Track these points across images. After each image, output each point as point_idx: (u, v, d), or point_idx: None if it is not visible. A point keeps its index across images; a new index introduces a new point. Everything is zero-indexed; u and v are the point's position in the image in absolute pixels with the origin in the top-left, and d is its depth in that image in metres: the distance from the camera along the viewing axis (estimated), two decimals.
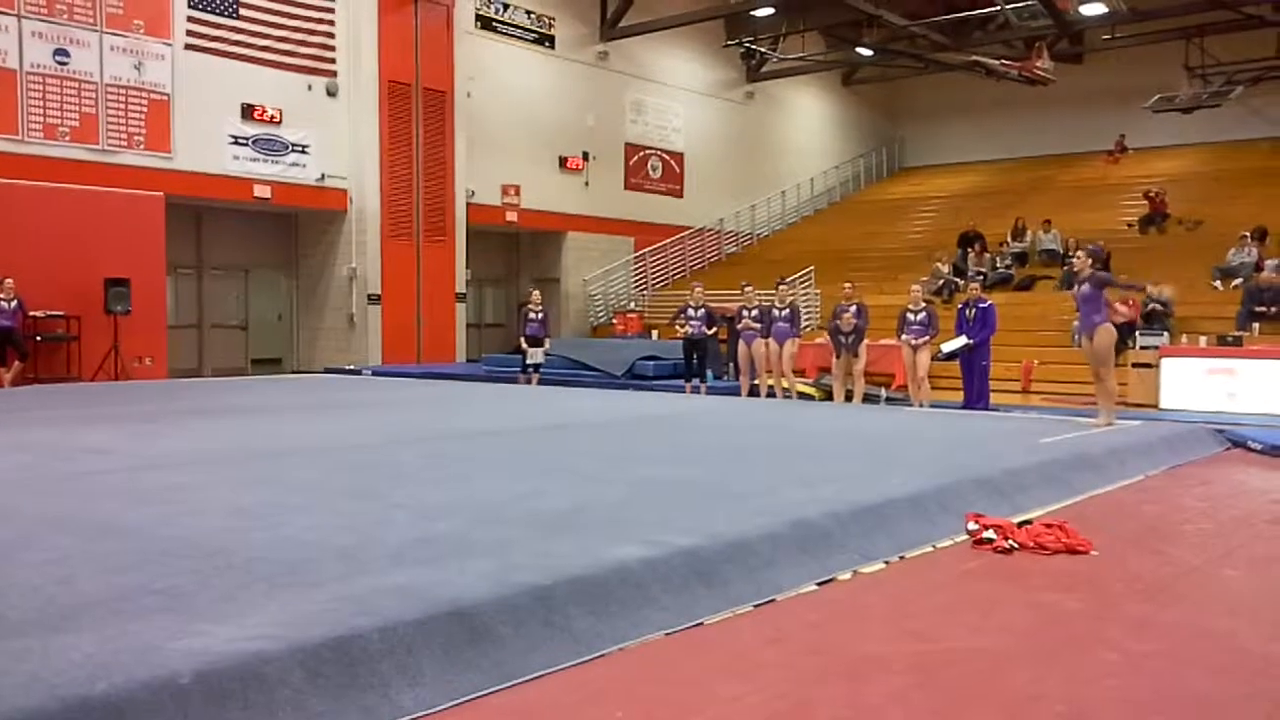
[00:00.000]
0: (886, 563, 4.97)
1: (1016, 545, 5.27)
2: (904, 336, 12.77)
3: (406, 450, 7.89)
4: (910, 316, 12.75)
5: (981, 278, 17.41)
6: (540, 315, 15.82)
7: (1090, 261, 10.29)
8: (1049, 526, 5.47)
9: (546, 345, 15.90)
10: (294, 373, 19.55)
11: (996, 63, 22.88)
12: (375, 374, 17.94)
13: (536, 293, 16.57)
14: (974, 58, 23.48)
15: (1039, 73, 22.70)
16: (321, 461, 7.24)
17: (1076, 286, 10.19)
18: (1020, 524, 5.54)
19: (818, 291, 20.29)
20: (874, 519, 5.35)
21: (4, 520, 5.02)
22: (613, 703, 3.22)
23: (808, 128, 30.82)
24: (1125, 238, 20.94)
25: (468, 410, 11.50)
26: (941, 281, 19.42)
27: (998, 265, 20.54)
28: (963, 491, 6.15)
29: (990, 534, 5.36)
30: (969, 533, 5.45)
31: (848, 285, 13.84)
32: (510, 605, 3.67)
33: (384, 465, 7.10)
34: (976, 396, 12.56)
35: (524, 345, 15.73)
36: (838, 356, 13.29)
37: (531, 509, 5.31)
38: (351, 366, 18.79)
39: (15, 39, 15.53)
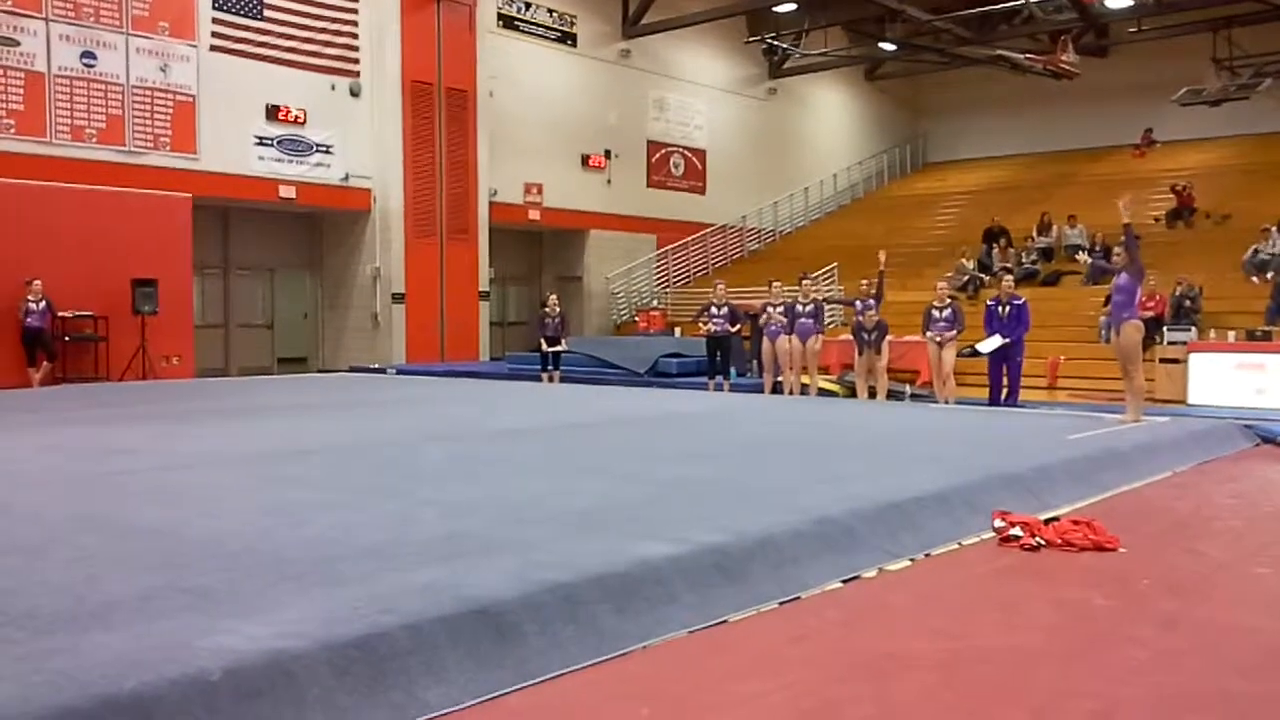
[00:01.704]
0: (912, 560, 4.95)
1: (1044, 542, 5.23)
2: (929, 333, 12.70)
3: (431, 448, 7.91)
4: (935, 313, 12.68)
5: (1009, 274, 17.28)
6: (557, 318, 15.84)
7: (1121, 257, 10.24)
8: (1076, 523, 5.42)
9: (564, 345, 15.94)
10: (319, 372, 19.66)
11: (1021, 56, 22.72)
12: (399, 373, 18.02)
13: (554, 296, 16.60)
14: (998, 52, 23.35)
15: (1064, 66, 22.51)
16: (347, 460, 7.28)
17: (1114, 277, 10.12)
18: (1047, 521, 5.50)
19: (841, 288, 20.20)
20: (899, 516, 5.33)
21: (33, 520, 5.07)
22: (638, 700, 3.22)
23: (830, 123, 30.71)
24: (1153, 232, 20.75)
25: (491, 409, 11.53)
26: (966, 277, 19.31)
27: (1023, 261, 20.41)
28: (989, 488, 6.11)
29: (1017, 531, 5.32)
30: (996, 530, 5.42)
31: (864, 282, 13.79)
32: (535, 603, 3.68)
33: (409, 463, 7.13)
34: (1009, 393, 12.47)
35: (544, 347, 15.77)
36: (860, 353, 13.25)
37: (555, 507, 5.32)
38: (376, 365, 18.88)
39: (43, 42, 15.69)
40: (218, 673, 2.90)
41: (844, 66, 29.05)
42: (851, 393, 13.74)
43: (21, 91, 15.49)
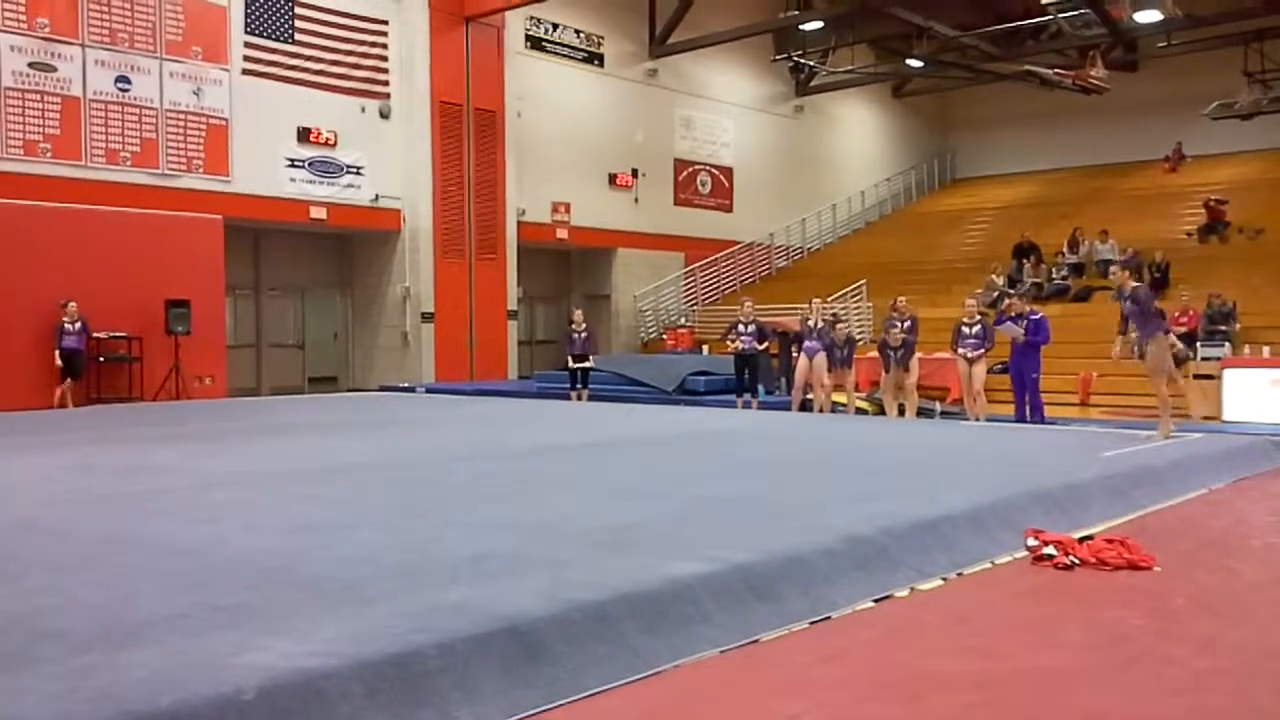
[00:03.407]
0: (944, 579, 4.91)
1: (1077, 561, 5.18)
2: (959, 350, 12.63)
3: (461, 467, 7.94)
4: (965, 329, 12.62)
5: (1038, 289, 17.19)
6: (584, 334, 15.88)
7: (1128, 274, 10.25)
8: (1110, 542, 5.37)
9: (591, 362, 15.96)
10: (349, 391, 19.78)
11: (1050, 72, 22.63)
12: (429, 391, 18.10)
13: (579, 312, 16.66)
14: (1027, 67, 23.26)
15: (1093, 81, 22.41)
16: (377, 479, 7.32)
17: (1123, 302, 10.12)
18: (1081, 539, 5.45)
19: (870, 305, 20.14)
20: (931, 535, 5.29)
21: (68, 539, 5.13)
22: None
23: (858, 140, 30.68)
24: (1185, 247, 20.57)
25: (520, 427, 11.56)
26: (996, 294, 19.18)
27: (1054, 276, 20.28)
28: (1021, 506, 6.06)
29: (1050, 550, 5.27)
30: (1029, 549, 5.37)
31: (902, 299, 13.74)
32: (565, 622, 3.68)
33: (439, 483, 7.15)
34: (1030, 410, 12.39)
35: (570, 364, 15.81)
36: (886, 371, 13.19)
37: (585, 526, 5.32)
38: (406, 384, 18.98)
39: (79, 67, 15.95)
40: (252, 691, 2.92)
41: (871, 83, 29.05)
42: (881, 410, 13.67)
43: (58, 116, 15.74)
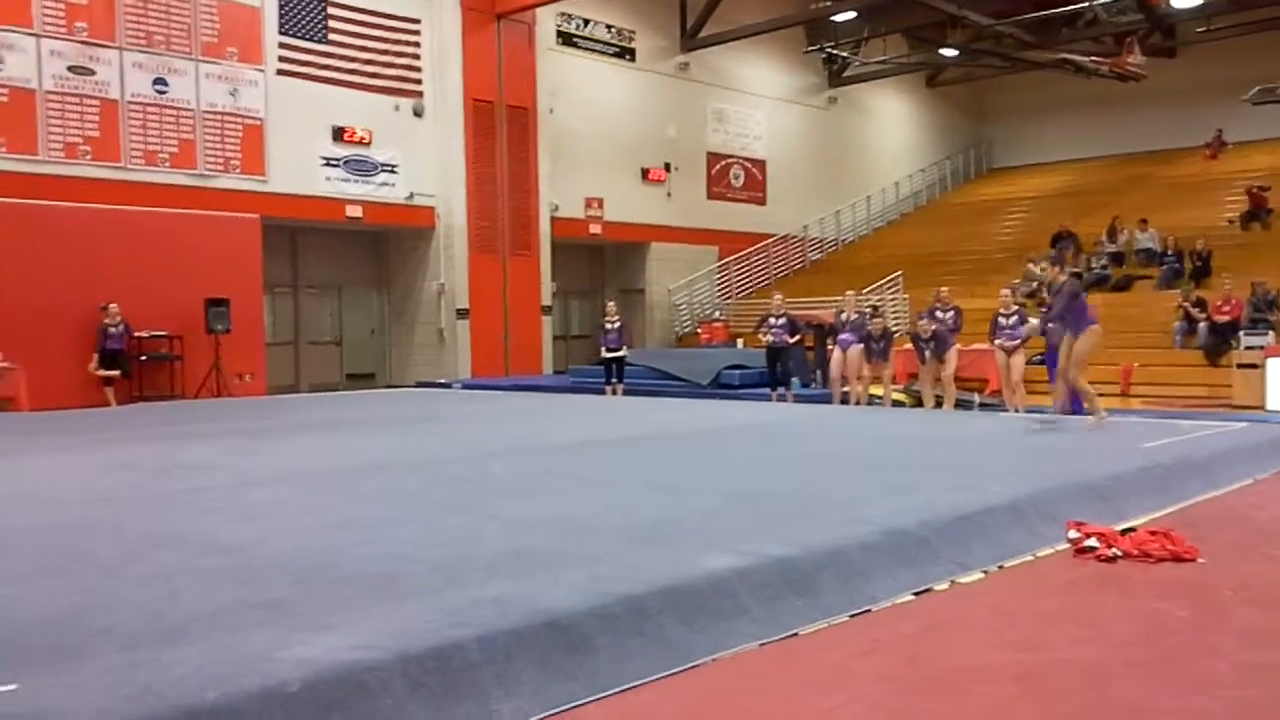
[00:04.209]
0: (985, 572, 4.87)
1: (1120, 553, 5.12)
2: (997, 340, 12.52)
3: (497, 463, 7.97)
4: (1002, 320, 12.51)
5: (1076, 278, 16.98)
6: (616, 325, 15.89)
7: (1058, 269, 10.05)
8: (1154, 534, 5.31)
9: (624, 352, 15.98)
10: (387, 387, 19.93)
11: (1086, 59, 22.37)
12: (465, 387, 18.19)
13: (612, 304, 16.67)
14: (1062, 55, 23.01)
15: (1130, 68, 22.12)
16: (415, 475, 7.36)
17: (1054, 296, 9.90)
18: (1124, 531, 5.39)
19: (906, 296, 20.02)
20: (971, 527, 5.25)
21: (114, 537, 5.20)
22: (708, 714, 3.22)
23: (892, 131, 30.48)
24: (1227, 234, 20.28)
25: (556, 422, 11.59)
26: (1035, 284, 18.99)
27: (1093, 266, 20.05)
28: (1063, 498, 6.00)
29: (1093, 542, 5.21)
30: (1070, 541, 5.31)
31: (944, 289, 13.66)
32: (604, 615, 3.69)
33: (476, 478, 7.19)
34: (1069, 401, 12.25)
35: (604, 355, 15.84)
36: (922, 362, 13.10)
37: (622, 520, 5.33)
38: (442, 380, 19.09)
39: (117, 71, 16.15)
40: (296, 684, 2.95)
41: (904, 73, 28.87)
42: (919, 402, 13.59)
43: (97, 118, 15.95)
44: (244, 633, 3.43)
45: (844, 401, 13.91)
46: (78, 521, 5.63)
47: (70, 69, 15.73)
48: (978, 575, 4.82)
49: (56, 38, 15.59)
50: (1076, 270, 9.77)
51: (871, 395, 13.80)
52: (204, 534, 5.21)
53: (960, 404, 13.28)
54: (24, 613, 3.73)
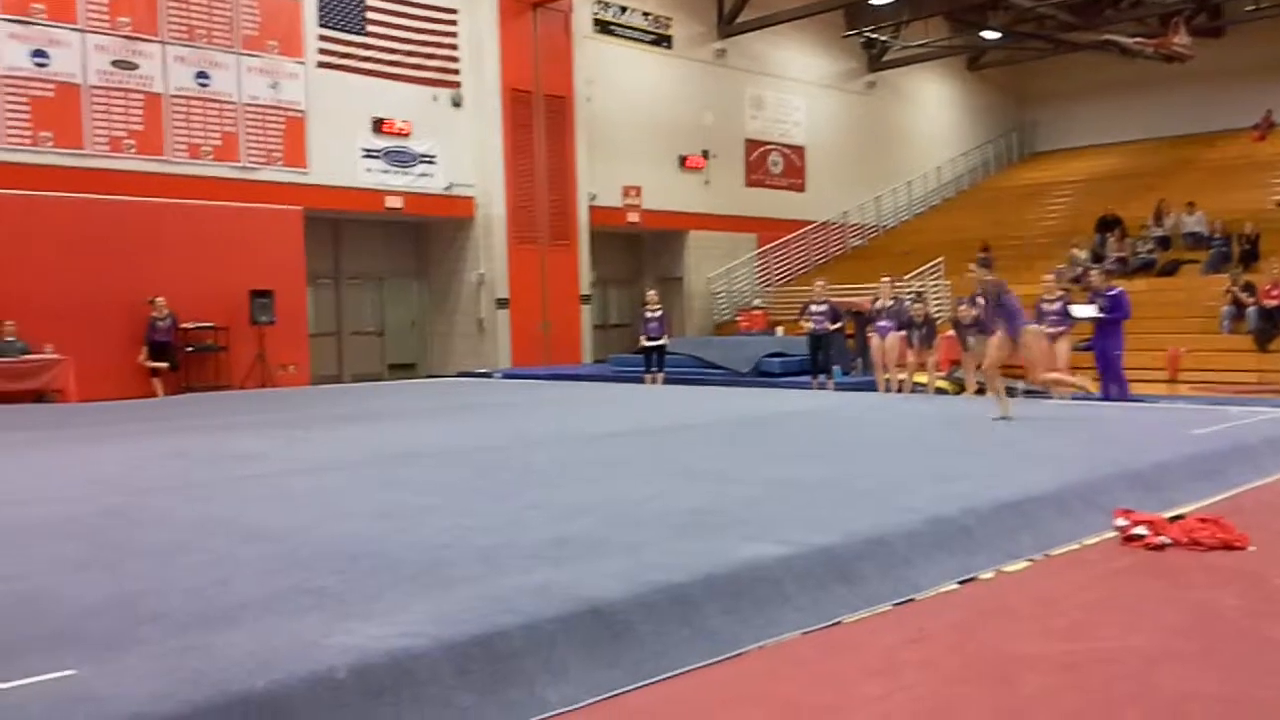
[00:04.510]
0: (1031, 561, 4.83)
1: (1169, 541, 5.05)
2: (1040, 327, 12.37)
3: (538, 452, 8.01)
4: (1045, 306, 12.36)
5: (1122, 263, 16.78)
6: (658, 314, 15.89)
7: (986, 271, 9.95)
8: (1203, 521, 5.23)
9: (664, 341, 15.97)
10: (428, 377, 20.05)
11: (1130, 40, 21.99)
12: (505, 377, 18.27)
13: (653, 292, 16.67)
14: (1106, 37, 22.62)
15: (1176, 49, 21.72)
16: (457, 464, 7.42)
17: (979, 301, 9.82)
18: (1172, 519, 5.32)
19: (948, 283, 19.83)
20: (1016, 515, 5.21)
21: (164, 525, 5.29)
22: (753, 702, 3.22)
23: (933, 115, 30.17)
24: (1275, 217, 19.88)
25: (596, 411, 11.62)
26: (1080, 269, 18.77)
27: (1139, 250, 19.76)
28: (1109, 486, 5.93)
29: (1141, 530, 5.15)
30: (1118, 529, 5.25)
31: (990, 277, 13.49)
32: (647, 604, 3.70)
33: (517, 467, 7.23)
34: (1115, 387, 12.10)
35: (645, 344, 15.84)
36: (964, 349, 12.97)
37: (663, 508, 5.34)
38: (482, 370, 19.18)
39: (159, 64, 16.34)
40: (344, 671, 2.99)
41: (945, 57, 28.53)
42: (962, 390, 13.47)
43: (141, 112, 16.15)
44: (292, 619, 3.48)
45: (886, 389, 13.82)
46: (129, 510, 5.73)
47: (114, 63, 15.93)
48: (1023, 564, 4.79)
49: (100, 32, 15.80)
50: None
51: (915, 383, 13.70)
52: (252, 522, 5.28)
53: (1005, 391, 13.12)
54: (78, 599, 3.81)
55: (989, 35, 26.26)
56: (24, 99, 15.08)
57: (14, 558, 4.59)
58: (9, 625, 3.51)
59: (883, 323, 13.72)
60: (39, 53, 15.22)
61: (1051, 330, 12.21)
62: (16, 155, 14.92)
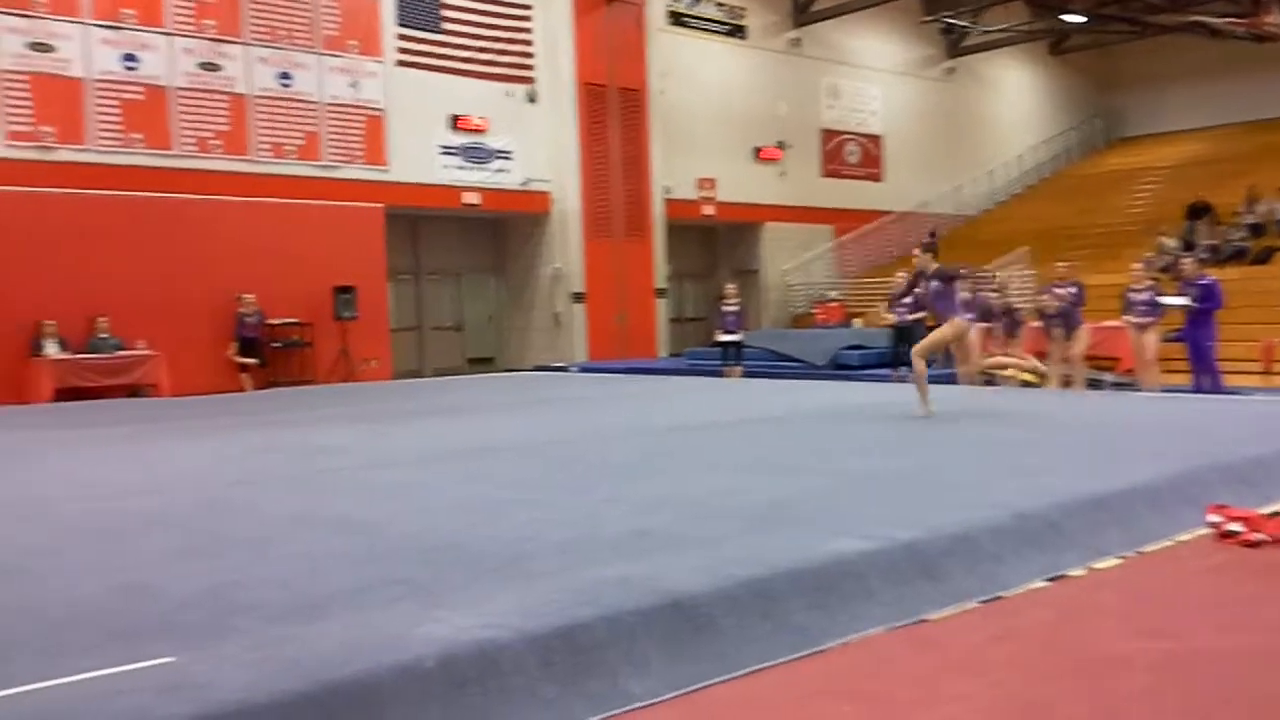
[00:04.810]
0: (1122, 558, 4.71)
1: (1265, 538, 4.89)
2: (1128, 317, 12.08)
3: (615, 445, 8.05)
4: (1134, 296, 12.06)
5: (1214, 251, 16.29)
6: (736, 307, 15.83)
7: (931, 256, 9.59)
8: None
9: (741, 335, 15.91)
10: (506, 371, 20.26)
11: (1220, 21, 21.29)
12: (582, 370, 18.37)
13: (731, 286, 16.59)
14: (1195, 17, 21.94)
15: (1269, 28, 20.94)
16: (535, 457, 7.48)
17: (923, 284, 9.46)
18: (1270, 515, 5.15)
19: (1033, 273, 19.43)
20: (1106, 511, 5.08)
21: (255, 517, 5.43)
22: (838, 696, 3.19)
23: (1014, 102, 29.58)
24: None
25: (671, 405, 11.62)
26: (1171, 258, 18.27)
27: (1230, 238, 19.16)
28: (1203, 481, 5.76)
29: (1236, 526, 4.99)
30: (1212, 525, 5.10)
31: (1062, 265, 13.23)
32: (728, 597, 3.69)
33: (594, 460, 7.26)
34: (1207, 379, 11.76)
35: (722, 338, 15.79)
36: (1049, 340, 12.71)
37: (742, 502, 5.32)
38: (559, 364, 19.31)
39: (243, 65, 16.72)
40: (432, 661, 3.04)
41: (1026, 42, 27.94)
42: (1047, 382, 13.19)
43: (226, 113, 16.55)
44: (380, 610, 3.55)
45: (968, 382, 13.59)
46: (222, 502, 5.89)
47: (200, 65, 16.34)
48: (1114, 561, 4.67)
49: (189, 35, 16.22)
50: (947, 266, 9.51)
51: (998, 375, 13.44)
52: (338, 514, 5.40)
53: (1091, 383, 12.86)
54: (175, 589, 3.92)
55: (1072, 19, 25.62)
56: (116, 102, 15.56)
57: (117, 550, 4.75)
58: (114, 614, 3.64)
59: (966, 314, 13.48)
60: (129, 57, 15.69)
61: (1139, 320, 11.93)
62: (110, 157, 15.40)
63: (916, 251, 9.75)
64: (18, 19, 14.79)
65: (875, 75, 25.94)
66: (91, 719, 2.64)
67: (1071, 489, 5.36)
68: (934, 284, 9.43)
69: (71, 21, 15.22)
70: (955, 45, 27.27)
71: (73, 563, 4.51)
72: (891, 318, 14.31)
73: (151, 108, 15.87)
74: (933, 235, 9.71)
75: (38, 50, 14.97)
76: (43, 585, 4.10)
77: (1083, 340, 12.59)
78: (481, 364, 21.04)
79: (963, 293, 13.60)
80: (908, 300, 14.13)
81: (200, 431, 9.71)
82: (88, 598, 3.86)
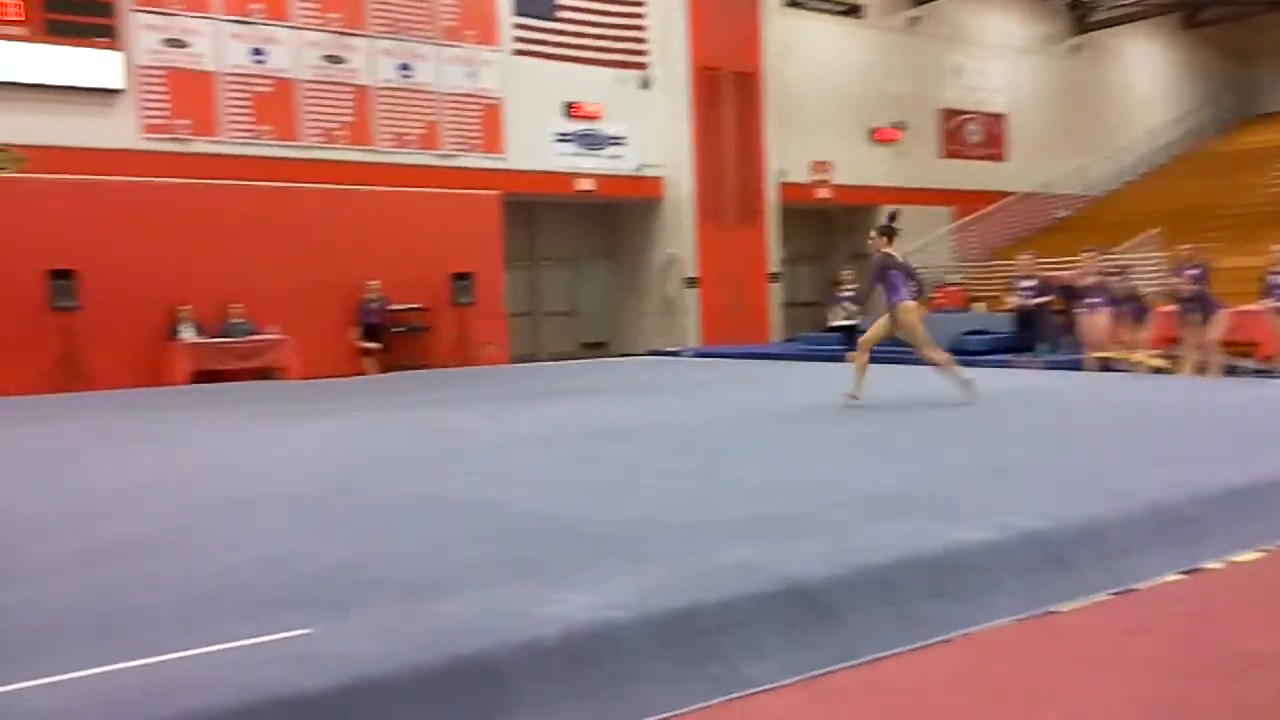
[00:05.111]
0: (1265, 550, 4.50)
1: None
2: (1267, 301, 11.52)
3: (728, 429, 8.03)
4: (1273, 279, 11.50)
5: None
6: (853, 293, 15.61)
7: (885, 240, 8.98)
8: None
9: (859, 320, 15.67)
10: (620, 355, 20.38)
11: None
12: (695, 355, 18.37)
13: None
14: None
15: None
16: (652, 441, 7.51)
17: (877, 269, 8.95)
18: None
19: (1165, 255, 18.67)
20: (1246, 502, 4.86)
21: (384, 496, 5.60)
22: (962, 686, 3.13)
23: (1144, 78, 28.41)
24: None
25: (787, 389, 11.54)
26: None
27: None
28: None
29: None
30: None
31: (1184, 247, 12.70)
32: (848, 584, 3.66)
33: (709, 444, 7.27)
34: None
35: (835, 323, 15.59)
36: (1183, 325, 12.20)
37: (860, 488, 5.26)
38: (673, 348, 19.34)
39: (365, 58, 17.14)
40: (553, 639, 3.09)
41: (1158, 15, 26.80)
42: (1180, 368, 12.69)
43: (350, 104, 17.00)
44: (504, 587, 3.62)
45: (1096, 368, 13.16)
46: (353, 481, 6.08)
47: (325, 58, 16.81)
48: (1256, 554, 4.47)
49: (312, 29, 16.69)
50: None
51: (1128, 361, 12.99)
52: (462, 494, 5.52)
53: (1229, 370, 12.31)
54: (309, 565, 4.07)
55: None
56: (246, 95, 16.12)
57: (256, 525, 4.96)
58: (255, 587, 3.79)
59: (1091, 298, 13.06)
60: (257, 50, 16.24)
61: (1278, 304, 11.37)
62: (241, 149, 15.98)
63: (871, 234, 9.44)
64: (155, 16, 15.43)
65: (997, 53, 25.21)
66: (234, 688, 2.75)
67: (1209, 478, 5.15)
68: (889, 271, 9.15)
69: (204, 18, 15.82)
70: (1082, 21, 26.31)
71: (214, 538, 4.71)
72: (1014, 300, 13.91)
73: (279, 100, 16.40)
74: (892, 218, 9.37)
75: (173, 46, 15.60)
76: (186, 559, 4.29)
77: (1220, 325, 12.05)
78: (596, 348, 21.21)
79: (1089, 276, 13.20)
80: (1031, 284, 13.73)
81: (329, 413, 10.02)
82: (229, 570, 4.03)
